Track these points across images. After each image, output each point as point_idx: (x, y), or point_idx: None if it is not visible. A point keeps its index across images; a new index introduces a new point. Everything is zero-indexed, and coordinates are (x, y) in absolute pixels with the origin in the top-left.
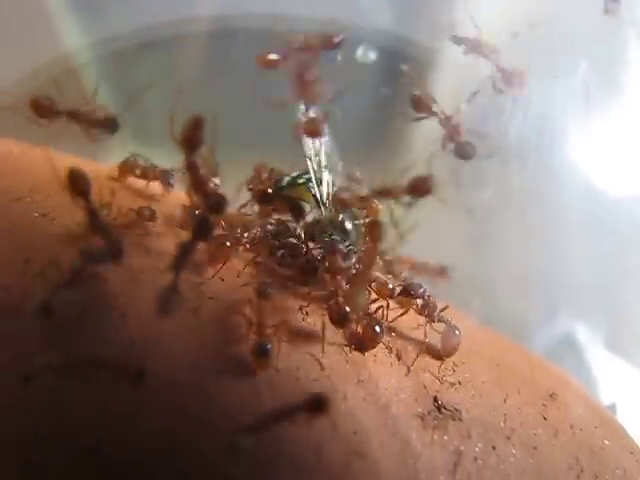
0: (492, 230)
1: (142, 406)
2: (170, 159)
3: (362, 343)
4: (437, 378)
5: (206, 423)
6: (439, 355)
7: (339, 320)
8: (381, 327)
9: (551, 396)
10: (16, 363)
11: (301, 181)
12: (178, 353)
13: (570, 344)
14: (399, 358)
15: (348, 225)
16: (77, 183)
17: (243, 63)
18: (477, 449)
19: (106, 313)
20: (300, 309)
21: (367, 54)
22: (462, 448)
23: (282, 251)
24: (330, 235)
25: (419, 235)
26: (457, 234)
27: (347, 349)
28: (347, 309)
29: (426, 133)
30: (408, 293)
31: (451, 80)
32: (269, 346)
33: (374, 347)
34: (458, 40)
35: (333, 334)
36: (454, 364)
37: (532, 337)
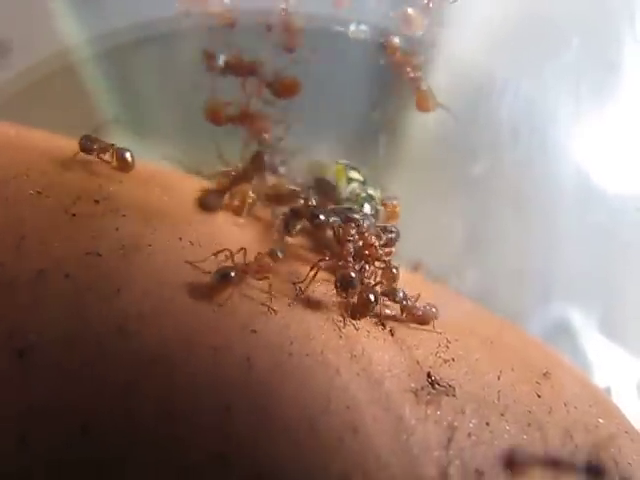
0: (486, 218)
1: (138, 378)
2: (165, 151)
3: (356, 310)
4: (431, 354)
5: (200, 396)
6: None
7: (345, 285)
8: (376, 296)
9: (545, 375)
10: (11, 337)
11: (342, 162)
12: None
13: (565, 329)
14: (392, 334)
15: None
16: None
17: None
18: (471, 425)
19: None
20: (294, 284)
21: (360, 29)
22: (456, 424)
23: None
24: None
25: (414, 222)
26: (452, 222)
27: (341, 324)
28: (353, 275)
29: (424, 120)
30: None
31: (446, 74)
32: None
33: (367, 315)
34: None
35: (326, 309)
36: (447, 341)
37: (527, 322)
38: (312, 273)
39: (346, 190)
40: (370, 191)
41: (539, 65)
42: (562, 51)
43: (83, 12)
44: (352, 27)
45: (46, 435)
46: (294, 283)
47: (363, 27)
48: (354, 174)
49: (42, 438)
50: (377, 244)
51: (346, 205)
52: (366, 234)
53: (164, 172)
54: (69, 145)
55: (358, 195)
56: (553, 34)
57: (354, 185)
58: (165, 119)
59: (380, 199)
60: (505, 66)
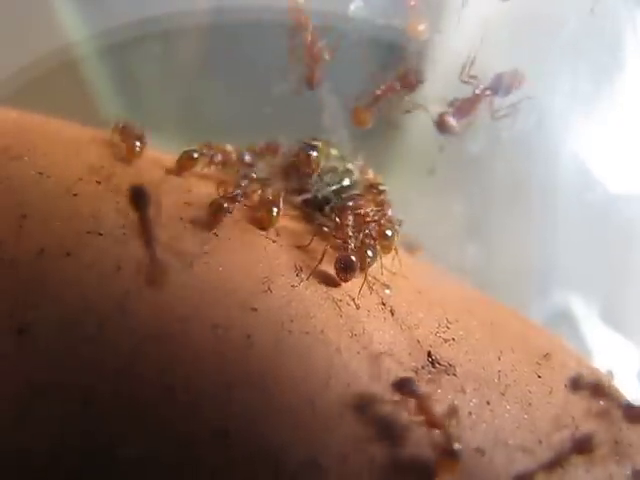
0: (486, 205)
1: (138, 354)
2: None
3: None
4: (431, 334)
5: (201, 374)
6: None
7: (344, 267)
8: (373, 251)
9: (545, 356)
10: (11, 315)
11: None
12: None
13: (565, 316)
14: (392, 313)
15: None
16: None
17: (242, 55)
18: (471, 404)
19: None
20: (294, 265)
21: (360, 7)
22: (456, 402)
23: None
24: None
25: (414, 206)
26: (451, 207)
27: (341, 304)
28: (353, 258)
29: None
30: None
31: (444, 72)
32: None
33: (363, 269)
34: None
35: (326, 289)
36: (448, 321)
37: (528, 309)
38: (320, 252)
39: (326, 166)
40: (349, 166)
41: (536, 45)
42: (560, 31)
43: (84, 8)
44: (352, 7)
45: (46, 411)
46: (295, 265)
47: (361, 4)
48: (332, 150)
49: (42, 414)
50: (371, 214)
51: (326, 179)
52: (362, 210)
53: (165, 157)
54: (69, 128)
55: (337, 170)
56: (551, 13)
57: (333, 161)
58: (167, 116)
59: (358, 167)
60: (502, 47)
